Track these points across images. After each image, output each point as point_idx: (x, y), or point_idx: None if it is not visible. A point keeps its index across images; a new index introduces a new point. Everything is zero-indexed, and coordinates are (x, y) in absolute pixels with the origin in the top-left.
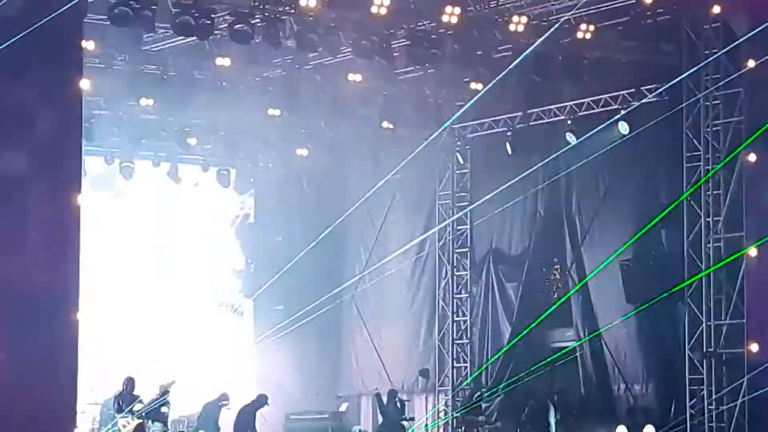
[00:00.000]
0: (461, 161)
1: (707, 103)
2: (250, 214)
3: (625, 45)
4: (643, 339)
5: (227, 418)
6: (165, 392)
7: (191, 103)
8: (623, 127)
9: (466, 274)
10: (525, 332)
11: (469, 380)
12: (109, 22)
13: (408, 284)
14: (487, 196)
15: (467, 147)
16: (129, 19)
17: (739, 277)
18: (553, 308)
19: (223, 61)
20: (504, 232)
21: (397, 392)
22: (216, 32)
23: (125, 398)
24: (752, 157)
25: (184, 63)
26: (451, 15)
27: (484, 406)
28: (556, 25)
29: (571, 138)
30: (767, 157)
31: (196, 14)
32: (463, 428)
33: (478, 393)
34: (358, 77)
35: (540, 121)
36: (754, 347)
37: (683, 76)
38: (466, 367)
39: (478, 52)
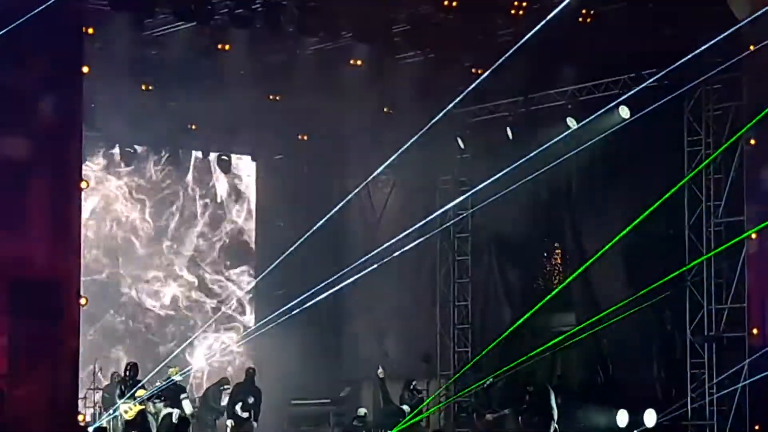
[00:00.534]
0: (462, 146)
1: (708, 88)
2: (250, 199)
3: (625, 29)
4: (644, 323)
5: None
6: (170, 379)
7: (192, 89)
8: (624, 112)
9: (467, 259)
10: (526, 317)
11: (469, 365)
12: (109, 8)
13: (409, 269)
14: (488, 181)
15: (468, 132)
16: (129, 4)
17: (740, 261)
18: (554, 293)
19: (224, 46)
20: (505, 217)
21: (412, 381)
22: (216, 17)
23: (128, 384)
24: (753, 142)
25: (184, 48)
26: None
27: (485, 392)
28: (557, 9)
29: (571, 123)
30: None
31: None
32: (465, 414)
33: (480, 379)
34: (358, 62)
35: (540, 106)
36: (755, 331)
37: (684, 60)
38: (467, 352)
39: (479, 37)
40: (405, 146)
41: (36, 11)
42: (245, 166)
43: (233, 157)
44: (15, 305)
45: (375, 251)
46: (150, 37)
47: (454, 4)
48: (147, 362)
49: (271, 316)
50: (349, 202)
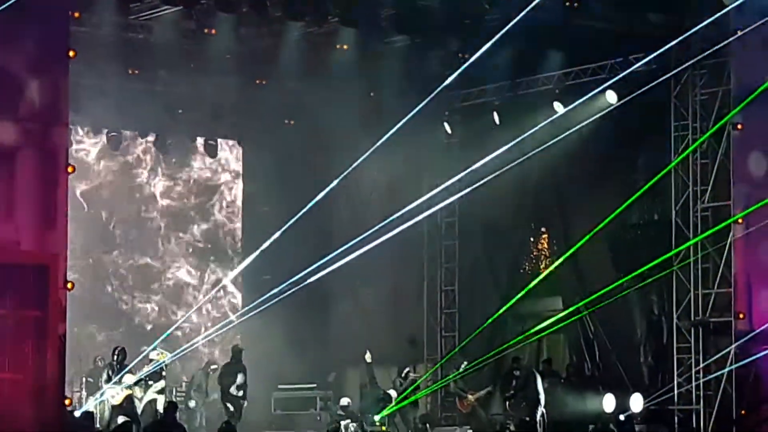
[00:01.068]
0: (449, 131)
1: (695, 72)
2: (236, 184)
3: (612, 14)
4: (631, 308)
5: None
6: (156, 363)
7: (178, 73)
8: (611, 97)
9: (454, 244)
10: (513, 301)
11: (456, 349)
12: None
13: (396, 253)
14: (475, 166)
15: (455, 116)
16: None
17: (727, 246)
18: (540, 277)
19: (210, 31)
20: (492, 202)
21: (405, 368)
22: (202, 1)
23: (115, 369)
24: (740, 126)
25: (171, 32)
26: None
27: (470, 376)
28: None
29: (558, 107)
30: (755, 126)
31: None
32: (451, 398)
33: (465, 363)
34: (345, 46)
35: (528, 90)
36: (742, 316)
37: (670, 44)
38: (454, 336)
39: (466, 21)
40: (392, 131)
41: None
42: (232, 150)
43: (219, 141)
44: (2, 290)
45: (362, 236)
46: (136, 22)
47: None
48: (133, 346)
49: (257, 301)
50: (336, 186)
